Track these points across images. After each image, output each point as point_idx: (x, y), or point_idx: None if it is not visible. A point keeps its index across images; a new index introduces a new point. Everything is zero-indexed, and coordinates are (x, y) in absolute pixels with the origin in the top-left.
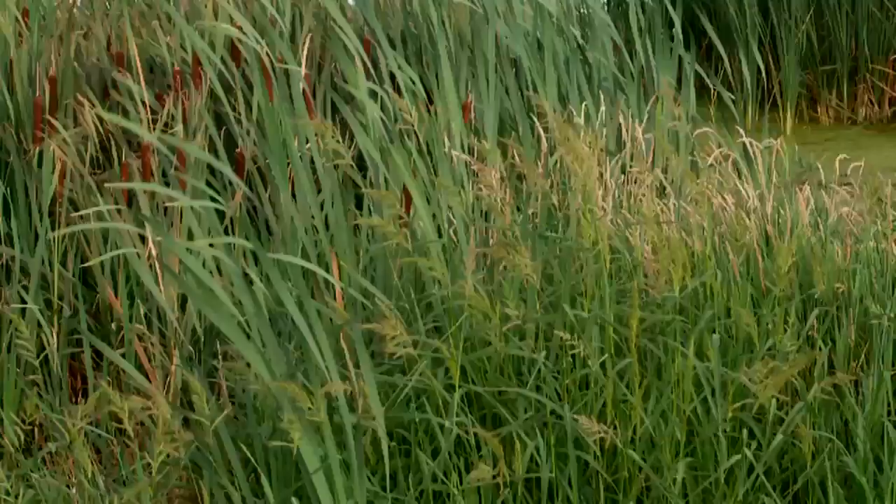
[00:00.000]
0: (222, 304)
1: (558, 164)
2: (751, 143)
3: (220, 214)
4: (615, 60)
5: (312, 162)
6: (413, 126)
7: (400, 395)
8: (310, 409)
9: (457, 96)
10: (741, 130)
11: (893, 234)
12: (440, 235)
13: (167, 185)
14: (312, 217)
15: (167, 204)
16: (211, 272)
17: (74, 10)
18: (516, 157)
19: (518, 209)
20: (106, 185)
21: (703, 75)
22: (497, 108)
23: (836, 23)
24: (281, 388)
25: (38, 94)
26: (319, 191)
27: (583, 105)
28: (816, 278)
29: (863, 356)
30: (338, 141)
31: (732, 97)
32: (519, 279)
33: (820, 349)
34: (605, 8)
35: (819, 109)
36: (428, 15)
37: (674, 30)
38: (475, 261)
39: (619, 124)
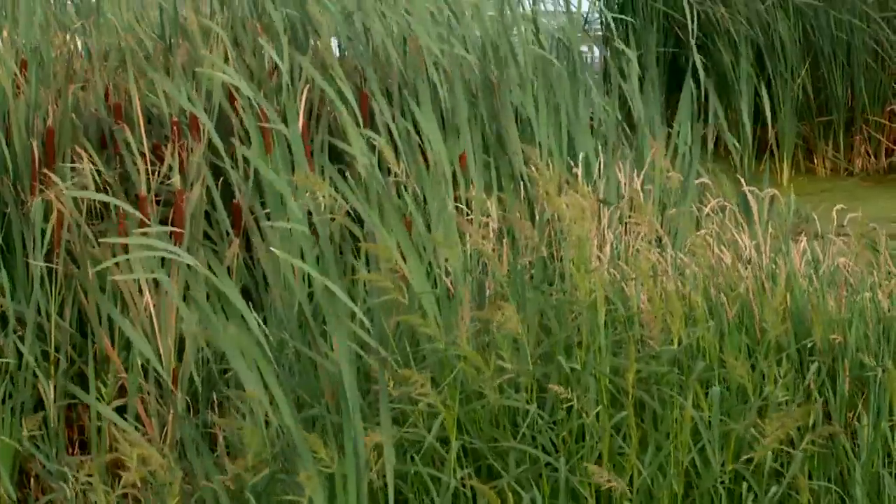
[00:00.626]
0: (246, 343)
1: (556, 215)
2: (751, 192)
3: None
4: (616, 110)
5: (311, 213)
6: (402, 179)
7: (398, 447)
8: (323, 460)
9: (450, 145)
10: (742, 180)
11: (889, 286)
12: (436, 286)
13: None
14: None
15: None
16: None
17: (73, 61)
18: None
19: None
20: (102, 240)
21: (708, 125)
22: (492, 159)
23: (831, 74)
24: (302, 438)
25: (35, 146)
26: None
27: (581, 155)
28: (812, 329)
29: (858, 407)
30: (334, 193)
31: (737, 146)
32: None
33: (815, 400)
34: (604, 55)
35: (815, 160)
36: (425, 66)
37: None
38: (470, 312)
39: (618, 175)
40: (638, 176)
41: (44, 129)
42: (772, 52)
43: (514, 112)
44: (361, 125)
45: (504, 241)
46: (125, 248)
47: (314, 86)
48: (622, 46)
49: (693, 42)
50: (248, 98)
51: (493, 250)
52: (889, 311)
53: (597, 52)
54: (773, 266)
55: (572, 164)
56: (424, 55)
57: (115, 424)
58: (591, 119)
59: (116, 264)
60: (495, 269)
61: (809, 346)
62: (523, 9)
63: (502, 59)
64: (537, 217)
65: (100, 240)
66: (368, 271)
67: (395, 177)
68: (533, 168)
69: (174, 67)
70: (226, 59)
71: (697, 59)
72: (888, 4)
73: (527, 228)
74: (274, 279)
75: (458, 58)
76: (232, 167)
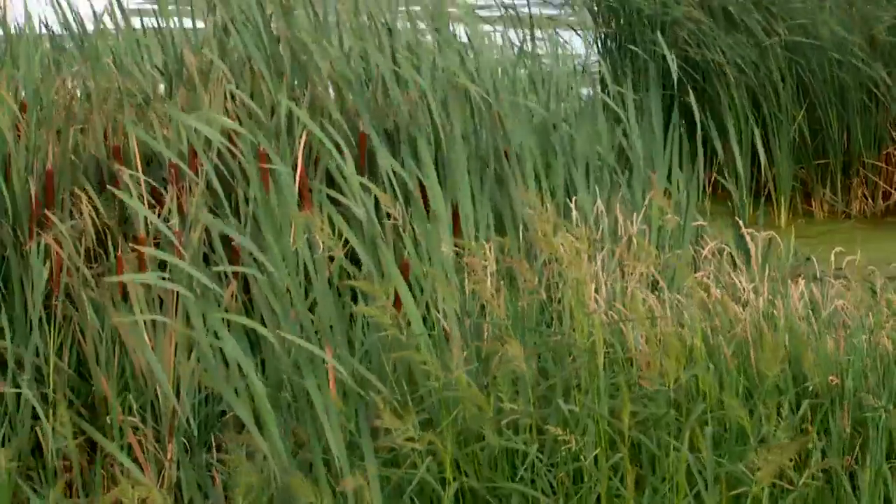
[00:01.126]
0: (245, 386)
1: (553, 257)
2: (749, 234)
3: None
4: (614, 151)
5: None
6: (399, 222)
7: (391, 487)
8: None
9: (448, 187)
10: (740, 223)
11: (886, 327)
12: (433, 328)
13: (164, 278)
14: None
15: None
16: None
17: (73, 103)
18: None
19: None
20: (103, 278)
21: (711, 171)
22: (490, 202)
23: (827, 117)
24: (295, 483)
25: (35, 188)
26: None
27: (573, 199)
28: (810, 370)
29: (857, 448)
30: (330, 234)
31: (735, 189)
32: (512, 373)
33: (814, 442)
34: (600, 92)
35: (813, 203)
36: (427, 110)
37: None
38: (470, 353)
39: (616, 216)
40: (635, 217)
41: (43, 171)
42: (767, 95)
43: (514, 153)
44: (358, 167)
45: (502, 283)
46: (124, 292)
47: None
48: (620, 88)
49: (673, 78)
50: (248, 139)
51: (493, 295)
52: (888, 353)
53: (590, 91)
54: (772, 308)
55: (570, 204)
56: (428, 97)
57: (114, 465)
58: (589, 160)
59: (115, 306)
60: (493, 311)
61: (808, 388)
62: (523, 51)
63: (504, 101)
64: (535, 259)
65: (103, 279)
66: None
67: (393, 220)
68: (531, 210)
69: (174, 110)
70: (225, 101)
71: (695, 106)
72: (882, 47)
73: (525, 271)
74: (270, 323)
75: (462, 95)
76: (231, 210)
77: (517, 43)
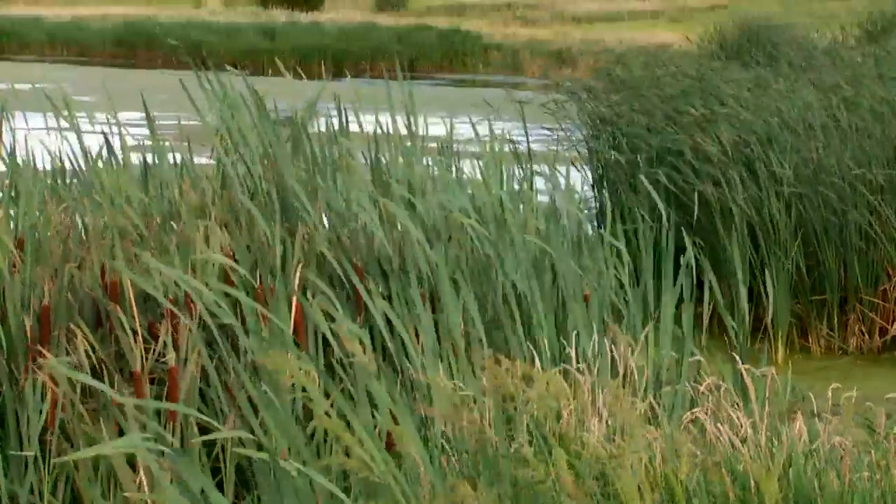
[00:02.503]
0: None
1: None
2: (746, 370)
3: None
4: (611, 287)
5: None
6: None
7: None
8: None
9: (441, 322)
10: (737, 358)
11: (884, 464)
12: (432, 461)
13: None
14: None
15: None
16: None
17: (69, 239)
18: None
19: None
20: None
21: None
22: (485, 335)
23: (824, 253)
24: None
25: (30, 324)
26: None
27: (574, 333)
28: None
29: None
30: (316, 379)
31: (734, 325)
32: None
33: None
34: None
35: (810, 339)
36: (424, 253)
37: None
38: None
39: (614, 352)
40: (633, 352)
41: (39, 307)
42: (765, 231)
43: (511, 287)
44: (355, 311)
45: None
46: (119, 427)
47: (307, 266)
48: (619, 222)
49: (666, 216)
50: (242, 275)
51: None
52: (888, 489)
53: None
54: (771, 445)
55: (566, 343)
56: (421, 242)
57: None
58: (587, 295)
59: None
60: (474, 445)
61: None
62: (521, 187)
63: (499, 236)
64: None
65: (92, 426)
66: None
67: (384, 356)
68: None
69: (168, 247)
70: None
71: (690, 244)
72: (879, 185)
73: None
74: (262, 472)
75: (455, 232)
76: (228, 348)
77: (517, 176)
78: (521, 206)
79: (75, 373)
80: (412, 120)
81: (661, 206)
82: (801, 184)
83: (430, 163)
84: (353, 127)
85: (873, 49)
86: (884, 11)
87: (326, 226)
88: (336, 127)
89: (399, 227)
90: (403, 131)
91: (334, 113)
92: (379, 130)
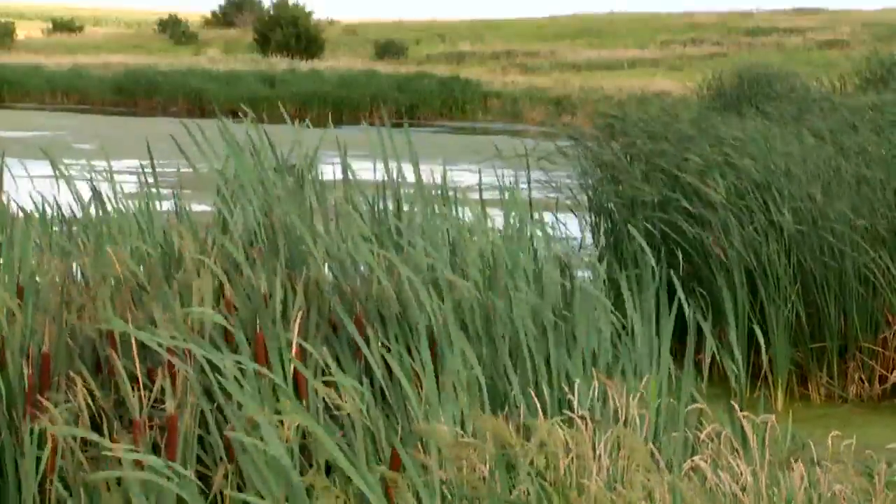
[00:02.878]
0: None
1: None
2: (746, 417)
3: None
4: (611, 334)
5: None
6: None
7: None
8: None
9: (440, 369)
10: (736, 406)
11: None
12: None
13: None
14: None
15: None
16: None
17: (69, 287)
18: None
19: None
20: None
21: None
22: (485, 383)
23: (823, 300)
24: None
25: (30, 372)
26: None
27: (576, 381)
28: None
29: None
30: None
31: (735, 370)
32: None
33: None
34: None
35: (810, 386)
36: (422, 303)
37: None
38: None
39: (615, 400)
40: (633, 399)
41: (38, 355)
42: (764, 277)
43: (511, 334)
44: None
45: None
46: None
47: (308, 313)
48: (618, 269)
49: (664, 260)
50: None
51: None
52: None
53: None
54: (771, 493)
55: (566, 389)
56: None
57: None
58: (586, 346)
59: (108, 489)
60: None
61: None
62: (521, 235)
63: (501, 284)
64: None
65: (92, 476)
66: None
67: (385, 406)
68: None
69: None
70: (221, 288)
71: (680, 290)
72: (879, 233)
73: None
74: None
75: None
76: (225, 399)
77: (516, 223)
78: (521, 254)
79: (73, 429)
80: (413, 167)
81: (648, 254)
82: (800, 231)
83: (436, 209)
84: (354, 173)
85: (871, 97)
86: (882, 60)
87: (328, 273)
88: (338, 174)
89: (401, 276)
90: (407, 177)
91: (335, 160)
92: (379, 177)
